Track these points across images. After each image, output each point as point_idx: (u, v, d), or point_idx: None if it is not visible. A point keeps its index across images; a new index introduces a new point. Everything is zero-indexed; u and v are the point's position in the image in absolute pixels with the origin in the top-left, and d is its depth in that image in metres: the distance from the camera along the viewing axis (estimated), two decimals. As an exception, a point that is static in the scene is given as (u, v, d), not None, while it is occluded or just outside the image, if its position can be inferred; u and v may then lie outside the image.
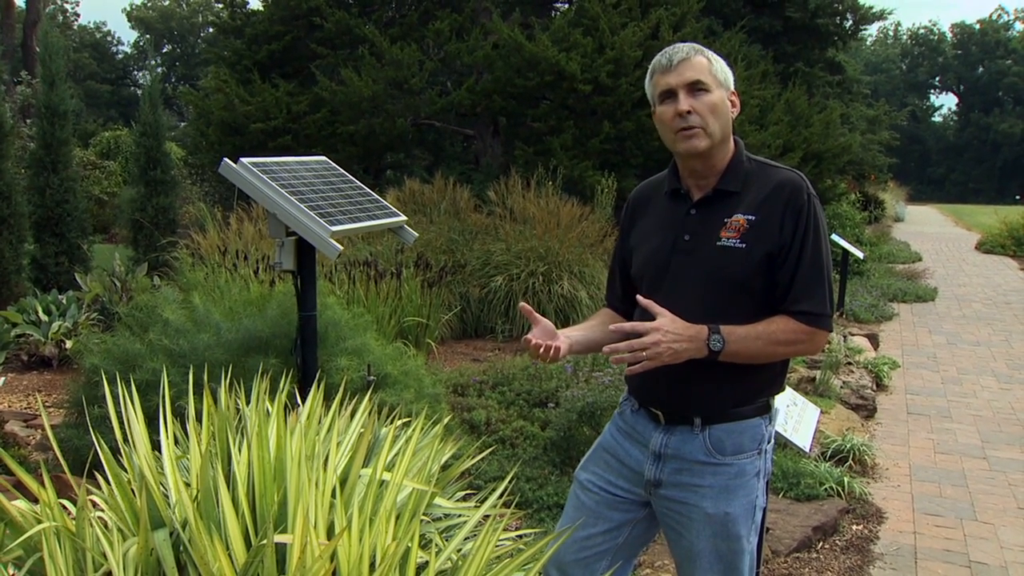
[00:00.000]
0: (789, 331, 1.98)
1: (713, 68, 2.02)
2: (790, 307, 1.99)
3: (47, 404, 5.41)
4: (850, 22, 18.65)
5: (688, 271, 2.04)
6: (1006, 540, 4.06)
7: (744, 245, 1.98)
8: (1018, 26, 61.86)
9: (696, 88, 2.00)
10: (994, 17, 62.73)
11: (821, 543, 3.94)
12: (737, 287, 2.00)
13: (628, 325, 1.95)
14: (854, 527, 4.14)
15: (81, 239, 8.30)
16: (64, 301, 6.84)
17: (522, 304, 2.09)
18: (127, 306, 5.32)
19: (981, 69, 60.57)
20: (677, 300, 2.01)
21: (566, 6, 13.01)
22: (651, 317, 1.95)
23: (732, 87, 2.07)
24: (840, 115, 16.32)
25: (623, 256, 2.27)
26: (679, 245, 2.07)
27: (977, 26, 62.08)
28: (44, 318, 6.56)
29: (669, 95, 2.02)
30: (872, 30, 60.97)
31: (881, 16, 18.90)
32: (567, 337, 2.10)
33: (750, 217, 2.00)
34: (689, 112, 1.98)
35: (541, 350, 1.99)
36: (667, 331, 1.90)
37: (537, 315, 2.08)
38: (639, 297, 2.00)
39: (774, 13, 16.97)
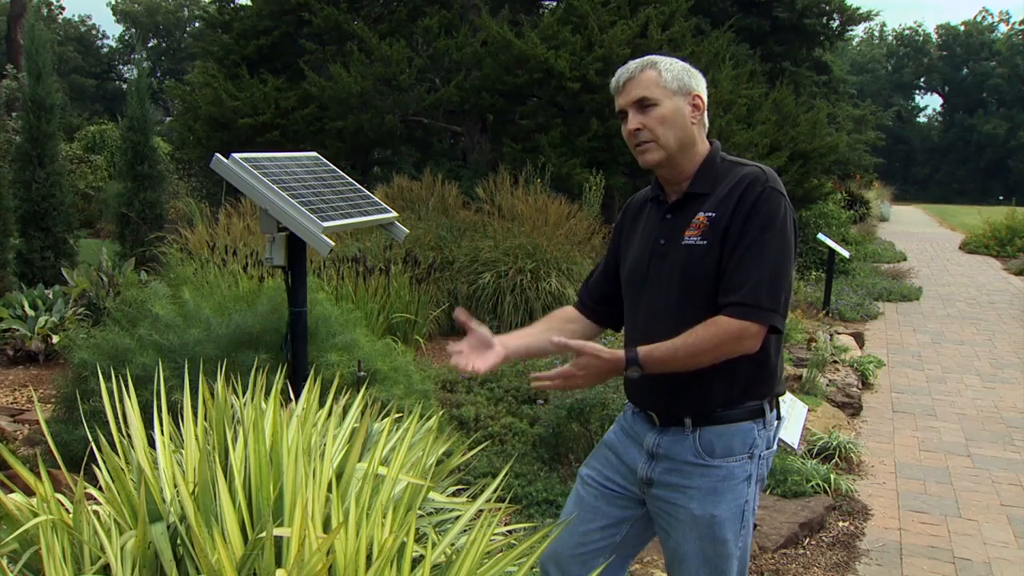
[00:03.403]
0: (708, 337, 1.93)
1: (663, 79, 2.03)
2: (722, 299, 1.96)
3: (34, 399, 5.38)
4: (837, 23, 18.79)
5: (662, 273, 2.08)
6: (989, 536, 4.11)
7: (705, 242, 2.00)
8: (1002, 28, 62.40)
9: (643, 105, 2.04)
10: (978, 19, 63.30)
11: (808, 539, 3.97)
12: (704, 285, 2.00)
13: (548, 374, 2.01)
14: (840, 523, 4.17)
15: (67, 233, 8.25)
16: (50, 296, 6.80)
17: (458, 310, 2.12)
18: (115, 301, 5.29)
19: (966, 70, 61.03)
20: (655, 303, 2.08)
21: (555, 3, 13.00)
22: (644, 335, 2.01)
23: (695, 90, 2.06)
24: (827, 115, 16.40)
25: (609, 260, 2.32)
26: (655, 249, 2.10)
27: (962, 28, 62.54)
28: (30, 313, 6.52)
29: (623, 115, 2.09)
30: (858, 31, 61.25)
31: (867, 17, 19.03)
32: (503, 346, 2.12)
33: (711, 214, 2.01)
34: (639, 129, 2.04)
35: (461, 363, 2.03)
36: (581, 375, 1.97)
37: (474, 323, 2.10)
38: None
39: (762, 13, 17.06)
